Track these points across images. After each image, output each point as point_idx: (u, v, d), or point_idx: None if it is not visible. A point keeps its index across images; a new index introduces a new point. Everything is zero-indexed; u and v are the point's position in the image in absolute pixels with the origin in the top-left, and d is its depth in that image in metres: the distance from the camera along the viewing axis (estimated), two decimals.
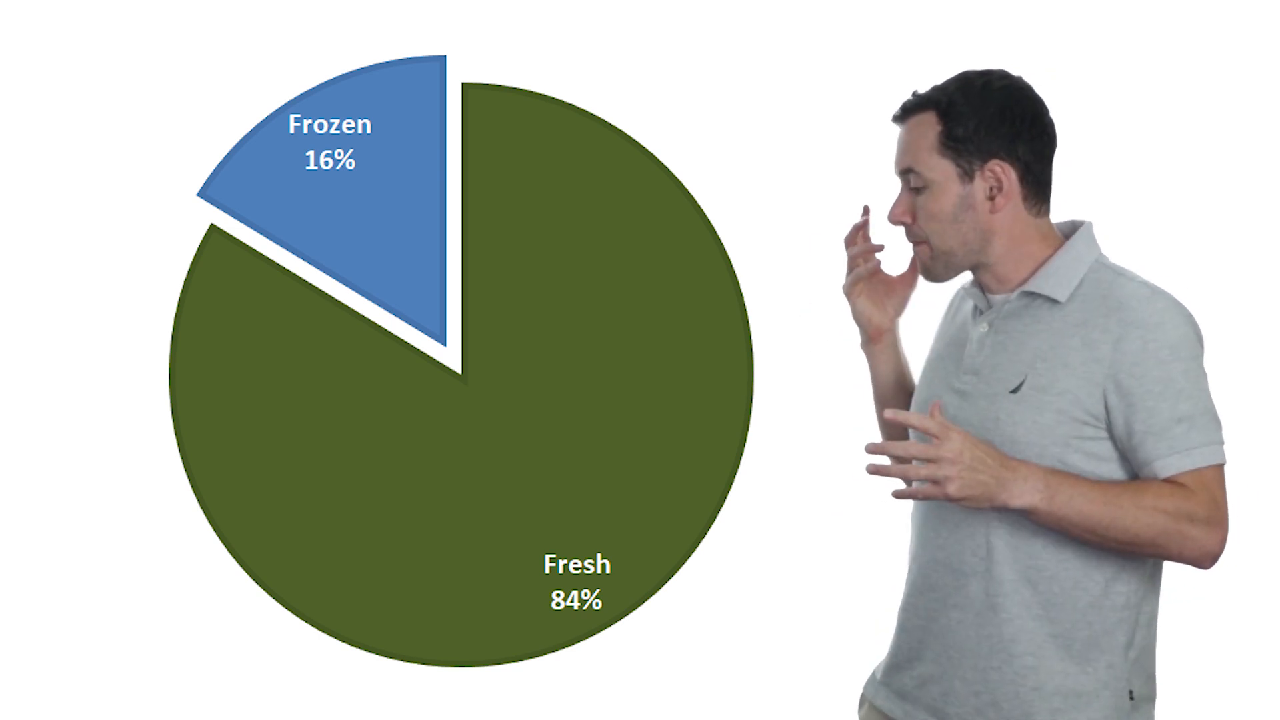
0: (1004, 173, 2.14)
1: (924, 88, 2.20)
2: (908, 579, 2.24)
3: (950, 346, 2.25)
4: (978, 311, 2.22)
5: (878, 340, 2.38)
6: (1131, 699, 2.12)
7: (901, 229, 2.24)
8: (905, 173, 2.17)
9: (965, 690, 2.10)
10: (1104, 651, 2.10)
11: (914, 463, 1.99)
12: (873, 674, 2.33)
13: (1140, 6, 3.40)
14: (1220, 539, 2.05)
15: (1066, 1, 3.40)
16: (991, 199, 2.14)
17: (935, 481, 1.97)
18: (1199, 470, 2.05)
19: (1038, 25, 3.36)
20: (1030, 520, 2.05)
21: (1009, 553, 2.09)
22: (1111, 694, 2.10)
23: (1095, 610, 2.09)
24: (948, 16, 3.38)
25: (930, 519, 2.19)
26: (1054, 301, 2.12)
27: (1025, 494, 1.99)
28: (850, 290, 2.37)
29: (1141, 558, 2.10)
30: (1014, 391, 2.09)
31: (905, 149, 2.17)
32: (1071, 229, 2.20)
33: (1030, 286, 2.14)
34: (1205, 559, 2.06)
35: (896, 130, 2.20)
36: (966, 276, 2.27)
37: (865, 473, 2.00)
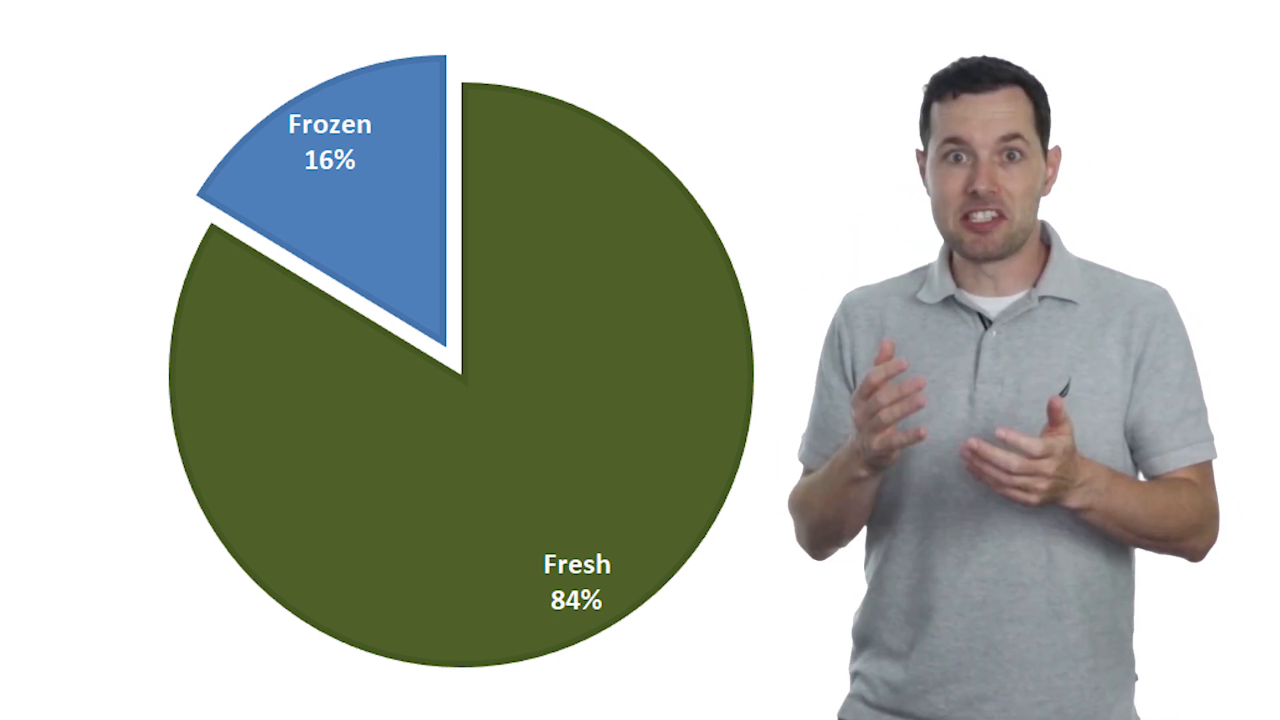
0: (1059, 159, 2.14)
1: (918, 64, 2.15)
2: (920, 601, 2.11)
3: (943, 358, 2.11)
4: (972, 319, 2.11)
5: (889, 464, 2.04)
6: (1136, 679, 2.17)
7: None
8: (1009, 139, 2.05)
9: (1027, 702, 2.05)
10: (1126, 640, 2.14)
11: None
12: (854, 701, 2.19)
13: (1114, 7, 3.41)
14: (1218, 533, 2.12)
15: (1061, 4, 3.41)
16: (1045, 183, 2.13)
17: (1021, 488, 1.89)
18: (1204, 464, 2.10)
19: (1036, 25, 3.36)
20: (1079, 519, 2.01)
21: (1070, 558, 2.06)
22: (1130, 679, 2.15)
23: (1121, 602, 2.13)
24: (946, 16, 3.38)
25: (963, 538, 2.08)
26: (1066, 303, 2.10)
27: (1088, 494, 1.95)
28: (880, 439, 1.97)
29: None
30: (1061, 394, 2.02)
31: (1009, 117, 2.05)
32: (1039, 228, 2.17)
33: (1048, 290, 2.09)
34: (1205, 553, 2.12)
35: (971, 99, 2.06)
36: (856, 290, 2.22)
37: (962, 455, 1.89)
